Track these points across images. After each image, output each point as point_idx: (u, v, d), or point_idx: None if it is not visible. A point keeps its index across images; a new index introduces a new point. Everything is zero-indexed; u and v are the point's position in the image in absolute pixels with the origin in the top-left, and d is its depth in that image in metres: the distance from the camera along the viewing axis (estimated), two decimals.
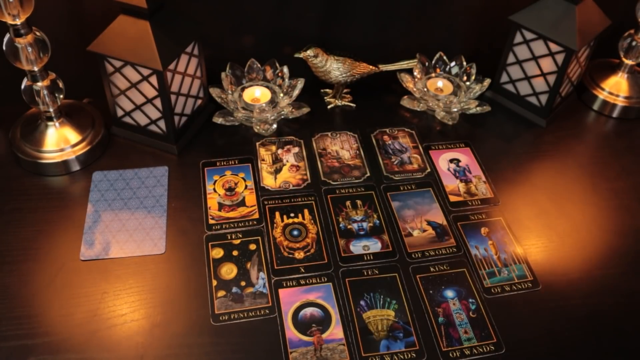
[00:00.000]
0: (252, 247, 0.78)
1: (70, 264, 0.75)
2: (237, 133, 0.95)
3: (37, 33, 0.77)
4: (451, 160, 0.93)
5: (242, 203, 0.84)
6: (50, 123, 0.86)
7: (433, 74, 1.03)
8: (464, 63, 1.02)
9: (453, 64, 1.03)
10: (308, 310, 0.72)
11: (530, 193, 0.89)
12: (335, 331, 0.70)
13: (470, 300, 0.74)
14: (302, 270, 0.76)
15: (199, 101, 0.94)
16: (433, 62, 1.03)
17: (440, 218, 0.84)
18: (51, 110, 0.85)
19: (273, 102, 0.96)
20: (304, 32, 0.99)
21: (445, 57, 1.02)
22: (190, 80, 0.89)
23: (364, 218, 0.83)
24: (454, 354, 0.69)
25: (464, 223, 0.84)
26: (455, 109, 0.99)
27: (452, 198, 0.87)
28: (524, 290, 0.76)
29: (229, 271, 0.76)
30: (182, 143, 0.91)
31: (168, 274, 0.75)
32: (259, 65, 0.97)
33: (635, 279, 0.78)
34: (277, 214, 0.83)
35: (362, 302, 0.73)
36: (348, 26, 1.00)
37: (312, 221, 0.82)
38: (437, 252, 0.80)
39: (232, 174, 0.88)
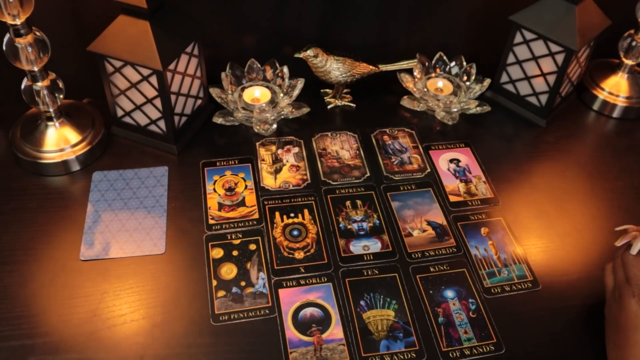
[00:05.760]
0: (252, 247, 0.78)
1: (70, 264, 0.75)
2: (237, 133, 0.95)
3: (37, 33, 0.77)
4: (451, 160, 0.93)
5: (242, 203, 0.84)
6: (50, 123, 0.86)
7: (433, 74, 1.03)
8: (464, 63, 1.02)
9: (453, 64, 1.03)
10: (308, 310, 0.72)
11: (531, 193, 0.89)
12: (335, 331, 0.70)
13: (470, 300, 0.74)
14: (302, 270, 0.76)
15: (199, 101, 0.94)
16: (433, 62, 1.03)
17: (440, 218, 0.84)
18: (51, 110, 0.85)
19: (273, 102, 0.96)
20: (304, 32, 0.99)
21: (445, 57, 1.02)
22: (190, 80, 0.89)
23: (364, 218, 0.83)
24: (454, 354, 0.69)
25: (464, 223, 0.84)
26: (455, 109, 0.99)
27: (452, 198, 0.87)
28: (524, 290, 0.76)
29: (229, 271, 0.76)
30: (182, 143, 0.91)
31: (168, 274, 0.75)
32: (259, 65, 0.97)
33: None
34: (277, 214, 0.83)
35: (362, 302, 0.73)
36: (348, 26, 1.00)
37: (312, 221, 0.82)
38: (437, 252, 0.80)
39: (232, 174, 0.88)
